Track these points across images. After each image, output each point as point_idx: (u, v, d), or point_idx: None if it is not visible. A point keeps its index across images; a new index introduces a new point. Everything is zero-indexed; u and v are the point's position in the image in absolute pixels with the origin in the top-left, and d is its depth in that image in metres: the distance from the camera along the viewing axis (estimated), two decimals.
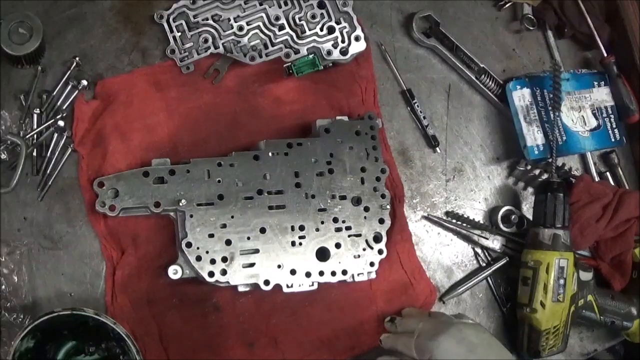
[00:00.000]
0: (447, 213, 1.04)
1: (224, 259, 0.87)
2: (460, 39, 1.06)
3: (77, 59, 0.92)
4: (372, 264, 0.92)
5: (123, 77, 0.94)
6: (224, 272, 0.87)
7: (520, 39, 1.12)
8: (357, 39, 0.97)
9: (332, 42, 0.97)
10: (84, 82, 0.92)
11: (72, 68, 0.92)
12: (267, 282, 0.88)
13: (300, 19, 0.96)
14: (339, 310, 0.95)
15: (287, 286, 0.89)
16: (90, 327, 0.83)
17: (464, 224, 1.03)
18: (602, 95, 1.10)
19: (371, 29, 1.04)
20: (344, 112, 0.99)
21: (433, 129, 1.05)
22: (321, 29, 0.97)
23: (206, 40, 0.95)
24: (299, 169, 0.91)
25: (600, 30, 1.10)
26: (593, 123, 1.08)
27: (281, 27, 0.96)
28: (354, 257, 0.91)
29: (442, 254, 1.03)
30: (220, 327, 0.91)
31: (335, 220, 0.91)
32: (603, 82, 1.10)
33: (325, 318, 0.95)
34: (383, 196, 0.93)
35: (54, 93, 0.91)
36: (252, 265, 0.88)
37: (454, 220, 1.03)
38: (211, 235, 0.87)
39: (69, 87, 0.92)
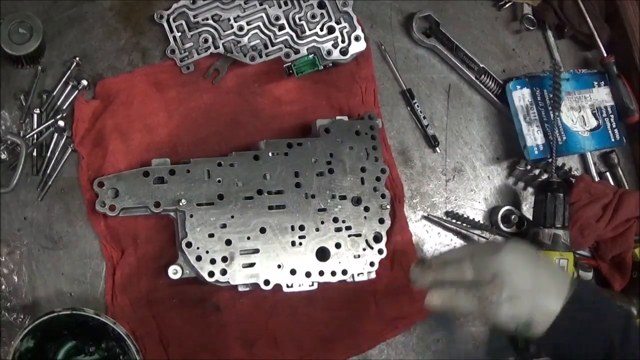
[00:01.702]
0: (447, 213, 1.04)
1: (224, 259, 0.87)
2: (460, 39, 1.06)
3: (77, 59, 0.92)
4: (372, 264, 0.92)
5: (123, 77, 0.94)
6: (224, 272, 0.87)
7: (520, 39, 1.12)
8: (357, 39, 0.97)
9: (332, 42, 0.97)
10: (84, 82, 0.92)
11: (72, 68, 0.92)
12: (267, 282, 0.88)
13: (300, 19, 0.96)
14: (339, 310, 0.95)
15: (287, 286, 0.89)
16: (90, 327, 0.83)
17: (464, 224, 1.03)
18: (602, 95, 1.10)
19: (371, 29, 1.04)
20: (344, 112, 0.99)
21: (433, 129, 1.04)
22: (321, 29, 0.97)
23: (206, 40, 0.95)
24: (299, 169, 0.91)
25: (600, 30, 1.10)
26: (593, 123, 1.08)
27: (281, 27, 0.96)
28: (354, 257, 0.91)
29: None
30: (220, 327, 0.91)
31: (335, 220, 0.91)
32: (603, 82, 1.10)
33: (325, 318, 0.95)
34: (383, 196, 0.93)
35: (54, 93, 0.91)
36: (252, 265, 0.88)
37: (454, 220, 1.03)
38: (211, 235, 0.87)
39: (69, 87, 0.92)
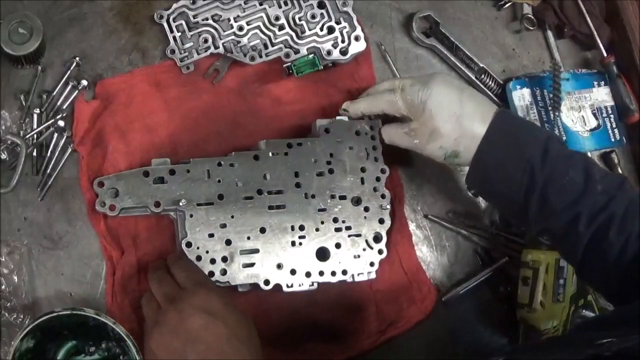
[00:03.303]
0: (447, 213, 1.03)
1: (224, 259, 0.87)
2: (460, 39, 1.06)
3: (77, 59, 0.92)
4: (372, 264, 0.92)
5: (123, 77, 0.94)
6: (224, 272, 0.87)
7: (520, 39, 1.12)
8: (357, 39, 0.97)
9: (332, 42, 0.97)
10: (84, 82, 0.92)
11: (72, 68, 0.92)
12: (267, 282, 0.88)
13: (300, 19, 0.96)
14: (339, 310, 0.95)
15: (287, 286, 0.89)
16: (90, 327, 0.83)
17: (464, 224, 1.03)
18: (602, 95, 1.10)
19: (371, 29, 1.04)
20: None
21: None
22: (321, 29, 0.97)
23: (206, 40, 0.95)
24: (299, 169, 0.91)
25: (600, 30, 1.10)
26: (593, 123, 1.08)
27: (281, 27, 0.96)
28: (354, 257, 0.91)
29: (442, 254, 1.03)
30: None
31: (335, 220, 0.91)
32: (603, 82, 1.10)
33: (325, 318, 0.95)
34: (383, 196, 0.93)
35: (54, 93, 0.91)
36: (252, 265, 0.88)
37: (454, 220, 1.03)
38: (211, 235, 0.87)
39: (69, 87, 0.92)
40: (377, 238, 0.92)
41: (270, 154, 0.91)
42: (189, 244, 0.86)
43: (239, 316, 0.78)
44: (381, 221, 0.93)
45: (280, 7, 0.96)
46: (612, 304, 0.87)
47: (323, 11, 0.97)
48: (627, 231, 0.78)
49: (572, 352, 0.68)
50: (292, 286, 0.89)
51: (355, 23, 0.98)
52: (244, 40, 0.95)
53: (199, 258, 0.86)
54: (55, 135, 0.91)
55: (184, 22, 0.95)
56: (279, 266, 0.89)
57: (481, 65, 1.06)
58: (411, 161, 1.03)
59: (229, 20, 0.95)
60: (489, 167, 0.85)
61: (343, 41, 0.97)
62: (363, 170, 0.93)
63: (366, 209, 0.92)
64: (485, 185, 0.88)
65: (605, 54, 1.09)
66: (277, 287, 0.88)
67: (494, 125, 0.83)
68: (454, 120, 0.84)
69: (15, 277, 0.87)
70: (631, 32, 1.09)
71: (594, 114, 1.09)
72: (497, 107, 0.86)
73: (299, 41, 0.96)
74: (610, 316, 0.82)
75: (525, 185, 0.82)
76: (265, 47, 0.96)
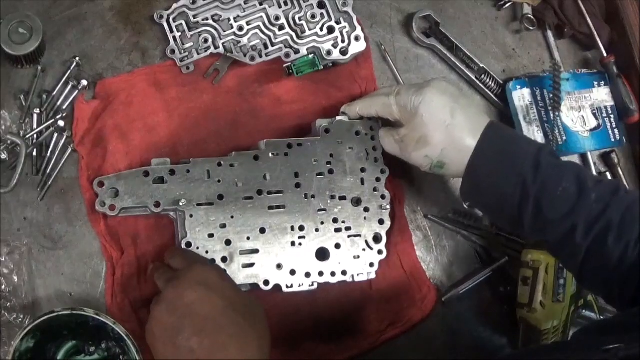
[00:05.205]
0: (447, 213, 1.03)
1: (224, 259, 0.87)
2: (460, 39, 1.06)
3: (77, 59, 0.92)
4: (371, 265, 0.92)
5: (123, 77, 0.94)
6: None
7: (520, 39, 1.12)
8: (357, 39, 0.97)
9: (332, 42, 0.97)
10: (84, 82, 0.92)
11: (72, 68, 0.92)
12: (266, 283, 0.88)
13: (300, 19, 0.96)
14: (339, 310, 0.95)
15: (287, 286, 0.89)
16: (90, 327, 0.83)
17: (464, 224, 1.03)
18: (602, 95, 1.10)
19: (371, 29, 1.04)
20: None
21: None
22: (321, 29, 0.97)
23: (206, 40, 0.95)
24: (299, 169, 0.91)
25: (600, 30, 1.10)
26: (593, 123, 1.08)
27: (281, 27, 0.96)
28: (354, 257, 0.91)
29: (442, 254, 1.03)
30: None
31: (335, 220, 0.91)
32: (603, 82, 1.10)
33: (325, 318, 0.95)
34: (383, 197, 0.93)
35: (54, 93, 0.91)
36: (251, 265, 0.88)
37: (454, 220, 1.03)
38: (211, 235, 0.87)
39: (69, 87, 0.92)
40: (376, 238, 0.92)
41: (270, 154, 0.91)
42: (189, 244, 0.86)
43: (237, 289, 0.78)
44: (381, 222, 0.93)
45: (280, 7, 0.96)
46: (614, 308, 0.87)
47: (323, 11, 0.97)
48: (625, 237, 0.78)
49: (579, 356, 0.67)
50: (291, 286, 0.89)
51: (355, 23, 0.98)
52: (244, 40, 0.95)
53: None
54: (55, 135, 0.91)
55: (184, 22, 0.95)
56: (279, 266, 0.89)
57: (481, 65, 1.06)
58: None
59: (229, 20, 0.95)
60: (480, 181, 0.84)
61: (343, 41, 0.97)
62: (363, 170, 0.93)
63: (366, 210, 0.92)
64: (479, 198, 0.88)
65: (605, 54, 1.09)
66: (277, 287, 0.89)
67: (484, 139, 0.83)
68: (443, 129, 0.83)
69: (15, 277, 0.87)
70: (631, 32, 1.09)
71: (594, 114, 1.09)
72: (489, 120, 0.85)
73: (299, 41, 0.96)
74: (616, 321, 0.82)
75: (518, 198, 0.81)
76: (265, 47, 0.96)
